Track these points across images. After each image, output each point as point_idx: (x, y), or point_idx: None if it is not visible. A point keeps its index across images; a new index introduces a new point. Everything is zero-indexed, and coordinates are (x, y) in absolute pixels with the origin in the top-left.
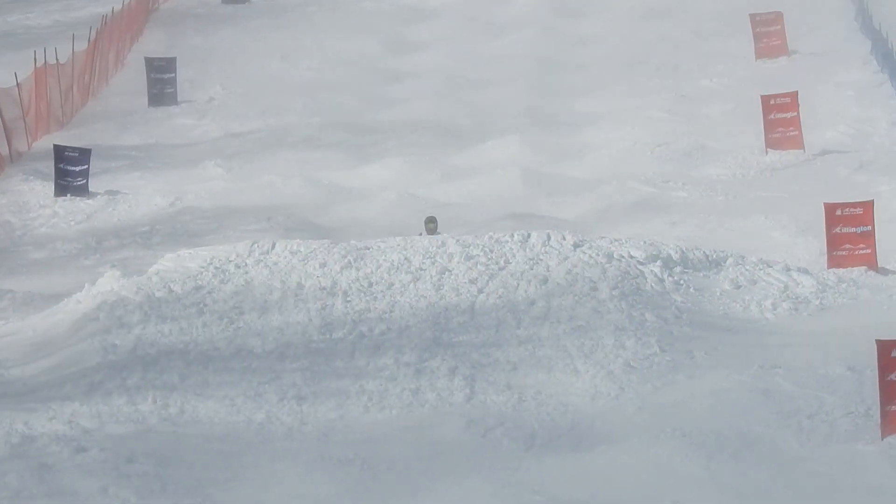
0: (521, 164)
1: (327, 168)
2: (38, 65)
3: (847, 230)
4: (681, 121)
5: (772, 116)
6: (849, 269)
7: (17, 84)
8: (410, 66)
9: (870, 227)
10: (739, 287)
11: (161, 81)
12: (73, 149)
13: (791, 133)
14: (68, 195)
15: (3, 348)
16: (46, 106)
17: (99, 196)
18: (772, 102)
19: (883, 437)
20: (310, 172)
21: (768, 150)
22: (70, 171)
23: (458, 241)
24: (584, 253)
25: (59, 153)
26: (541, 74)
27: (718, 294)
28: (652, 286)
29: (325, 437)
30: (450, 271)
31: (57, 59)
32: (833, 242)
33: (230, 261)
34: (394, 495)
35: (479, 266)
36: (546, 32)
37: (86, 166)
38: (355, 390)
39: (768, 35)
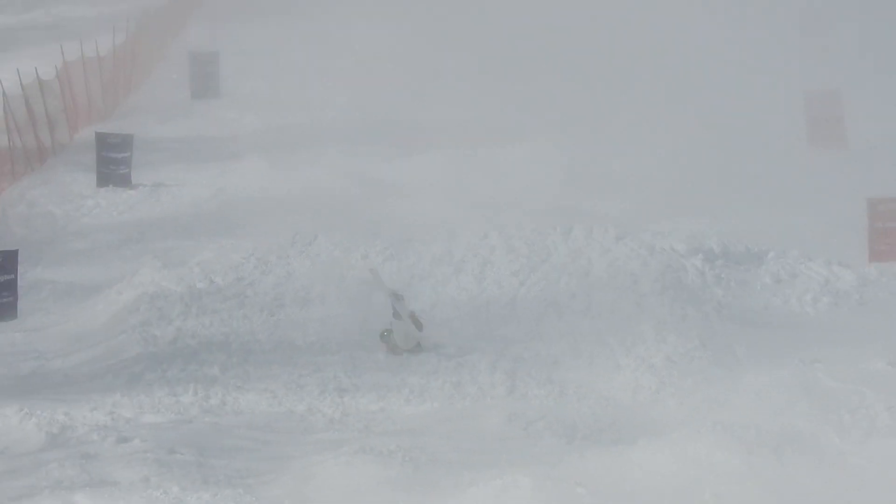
0: (562, 160)
1: (371, 161)
2: (76, 57)
3: (890, 225)
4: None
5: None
6: (890, 263)
7: (58, 76)
8: (455, 64)
9: None
10: (780, 281)
11: (204, 74)
12: (116, 135)
13: None
14: (111, 185)
15: (44, 339)
16: (87, 98)
17: (141, 187)
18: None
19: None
20: (353, 166)
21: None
22: (113, 158)
23: (500, 233)
24: (627, 246)
25: (102, 140)
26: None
27: (759, 288)
28: (693, 280)
29: (367, 429)
30: (492, 263)
31: (98, 52)
32: (875, 237)
33: (272, 252)
34: (435, 488)
35: (521, 259)
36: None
37: (128, 154)
38: (396, 383)
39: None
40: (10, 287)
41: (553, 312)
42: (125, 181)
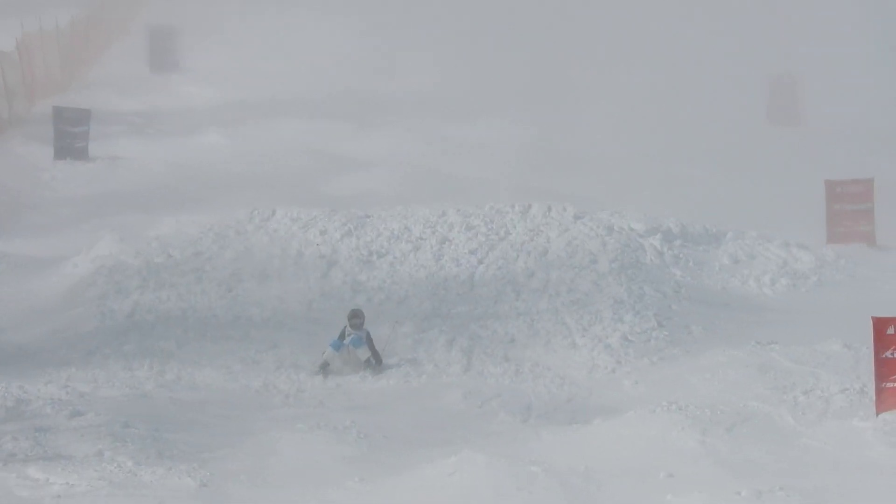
0: (522, 138)
1: (330, 137)
2: (34, 29)
3: (847, 207)
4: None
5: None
6: (848, 245)
7: (17, 48)
8: (416, 41)
9: (870, 205)
10: (738, 262)
11: (163, 48)
12: (73, 110)
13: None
14: (68, 158)
15: None
16: (46, 70)
17: (99, 160)
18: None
19: (878, 413)
20: (312, 141)
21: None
22: (70, 132)
23: (458, 210)
24: (585, 225)
25: (59, 114)
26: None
27: (717, 269)
28: (651, 259)
29: (322, 406)
30: (450, 241)
31: (57, 25)
32: (833, 219)
33: (230, 227)
34: (390, 464)
35: (479, 236)
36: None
37: (86, 128)
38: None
39: None
40: None
41: (510, 291)
42: (82, 155)
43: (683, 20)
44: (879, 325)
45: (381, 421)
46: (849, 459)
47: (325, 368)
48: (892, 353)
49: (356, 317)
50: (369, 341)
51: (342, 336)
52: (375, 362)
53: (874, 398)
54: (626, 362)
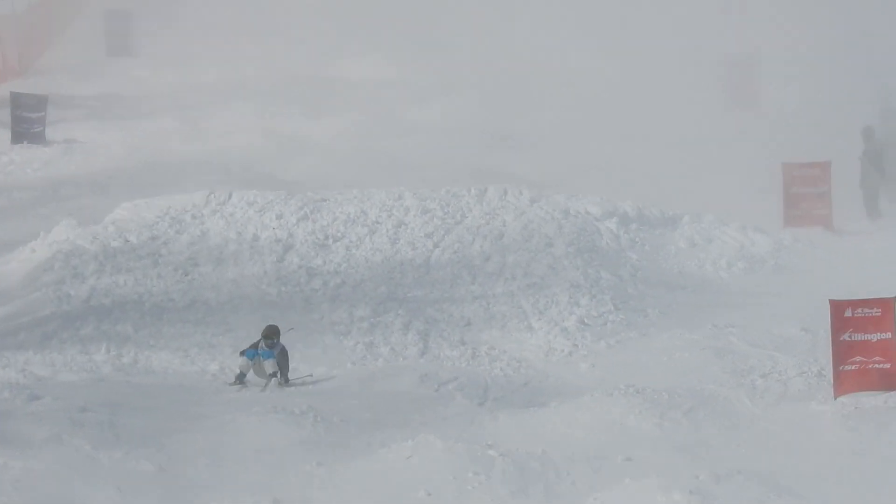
0: (478, 121)
1: (286, 120)
2: None
3: (804, 191)
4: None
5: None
6: (805, 228)
7: None
8: (371, 19)
9: (827, 188)
10: (695, 245)
11: (119, 33)
12: (30, 96)
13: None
14: (25, 142)
15: None
16: (2, 55)
17: (56, 144)
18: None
19: (836, 397)
20: (268, 125)
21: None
22: (27, 118)
23: (414, 194)
24: (541, 208)
25: (16, 100)
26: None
27: (674, 252)
28: (608, 243)
29: (279, 389)
30: (406, 225)
31: (13, 9)
32: (790, 202)
33: (186, 211)
34: (347, 448)
35: (435, 220)
36: None
37: (42, 113)
38: (309, 343)
39: None
40: None
41: (467, 274)
42: (39, 139)
43: (638, 1)
44: (837, 308)
45: (337, 405)
46: (807, 443)
47: (240, 379)
48: (850, 336)
49: (269, 336)
50: (282, 358)
51: (255, 346)
52: (281, 378)
53: (832, 381)
54: (583, 345)
